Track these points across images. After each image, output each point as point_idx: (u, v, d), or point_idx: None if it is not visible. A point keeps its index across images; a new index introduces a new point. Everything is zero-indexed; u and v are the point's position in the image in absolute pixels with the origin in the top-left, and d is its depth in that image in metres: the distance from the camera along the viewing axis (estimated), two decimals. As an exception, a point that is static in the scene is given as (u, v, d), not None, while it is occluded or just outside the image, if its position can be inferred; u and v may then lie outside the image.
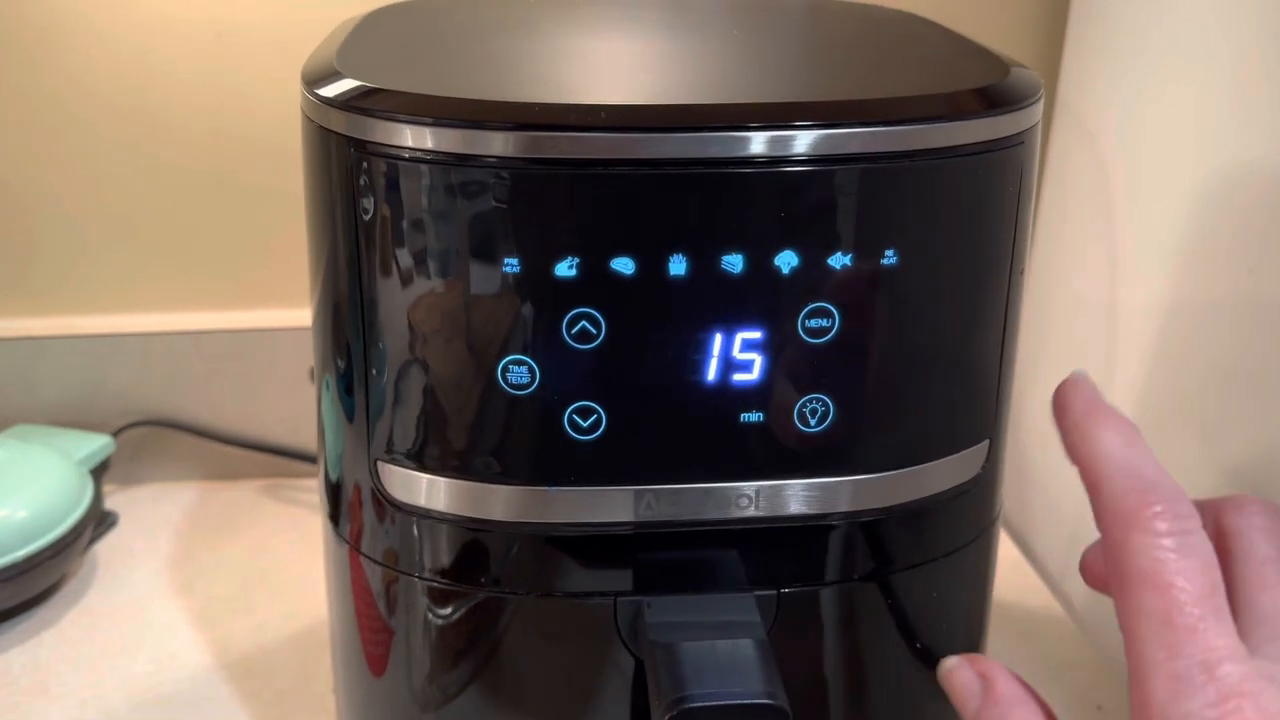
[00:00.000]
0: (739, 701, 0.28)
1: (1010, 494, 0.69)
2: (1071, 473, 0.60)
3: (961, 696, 0.29)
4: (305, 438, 0.67)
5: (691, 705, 0.28)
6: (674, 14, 0.41)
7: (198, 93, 0.61)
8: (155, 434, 0.66)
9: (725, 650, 0.30)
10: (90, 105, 0.61)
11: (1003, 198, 0.31)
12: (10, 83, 0.60)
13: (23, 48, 0.59)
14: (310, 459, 0.67)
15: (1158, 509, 0.25)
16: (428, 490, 0.32)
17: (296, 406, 0.66)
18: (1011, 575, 0.60)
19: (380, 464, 0.33)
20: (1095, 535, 0.57)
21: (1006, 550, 0.63)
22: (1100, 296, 0.57)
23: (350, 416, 0.33)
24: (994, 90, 0.30)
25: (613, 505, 0.31)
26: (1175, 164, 0.50)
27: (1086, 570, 0.29)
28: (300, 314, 0.66)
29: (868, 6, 0.44)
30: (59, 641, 0.54)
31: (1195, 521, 0.25)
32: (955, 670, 0.30)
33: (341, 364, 0.33)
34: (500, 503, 0.32)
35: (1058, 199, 0.63)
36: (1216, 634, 0.23)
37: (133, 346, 0.64)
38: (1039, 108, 0.32)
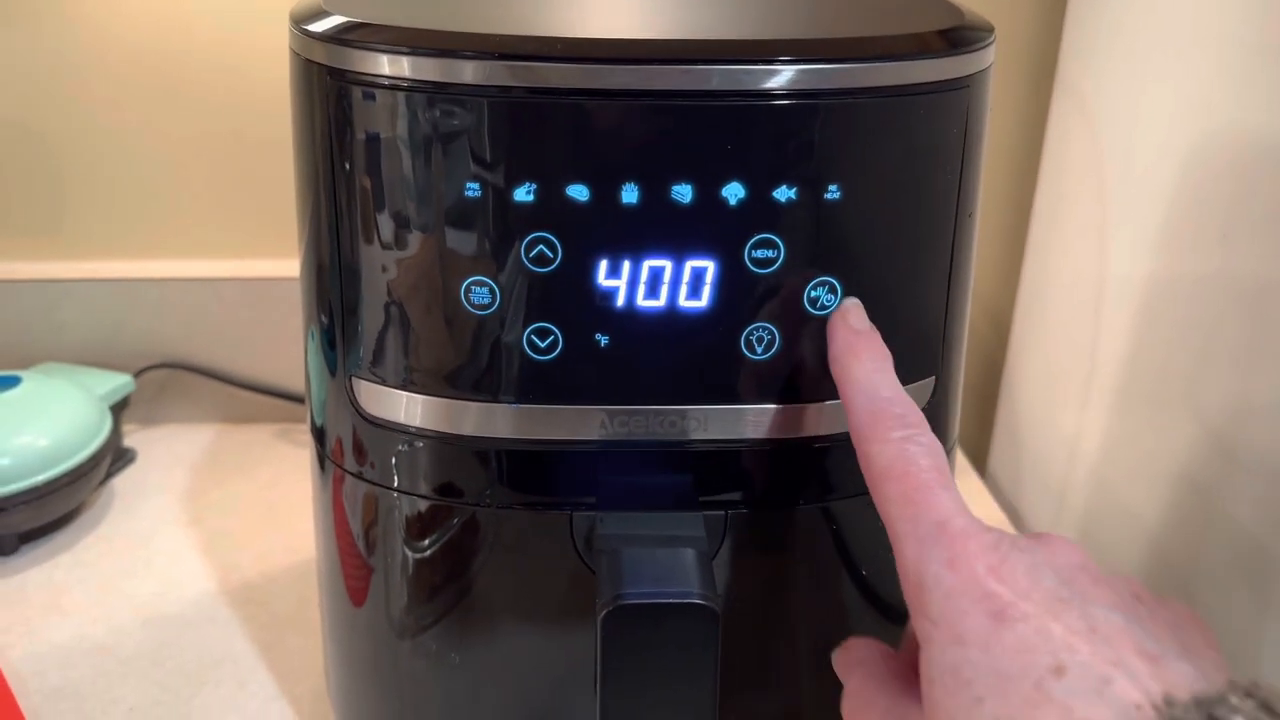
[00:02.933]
0: (671, 600, 0.30)
1: (1003, 458, 0.70)
2: (1058, 437, 0.61)
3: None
4: (316, 385, 0.69)
5: (626, 602, 0.29)
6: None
7: (220, 49, 0.64)
8: (174, 377, 0.69)
9: (665, 557, 0.31)
10: (118, 60, 0.64)
11: (948, 139, 0.32)
12: (42, 38, 0.63)
13: (55, 3, 0.62)
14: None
15: (889, 421, 0.29)
16: (397, 405, 0.34)
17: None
18: (994, 537, 0.61)
19: (355, 380, 0.35)
20: (1079, 501, 0.58)
21: (992, 512, 0.64)
22: (1091, 270, 0.58)
23: (331, 335, 0.35)
24: (941, 34, 0.32)
25: (570, 424, 0.33)
26: (1164, 140, 0.51)
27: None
28: (314, 265, 0.68)
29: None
30: (74, 564, 0.57)
31: (923, 427, 0.29)
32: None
33: (325, 287, 0.35)
34: (463, 418, 0.34)
35: (1055, 176, 0.64)
36: (947, 500, 0.28)
37: (154, 292, 0.67)
38: (987, 54, 0.33)
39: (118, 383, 0.64)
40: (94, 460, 0.59)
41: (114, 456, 0.63)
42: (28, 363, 0.66)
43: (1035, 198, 0.66)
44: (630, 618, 0.30)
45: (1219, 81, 0.47)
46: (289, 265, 0.68)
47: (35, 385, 0.60)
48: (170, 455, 0.67)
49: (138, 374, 0.67)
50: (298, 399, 0.69)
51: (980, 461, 0.73)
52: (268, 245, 0.68)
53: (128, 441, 0.68)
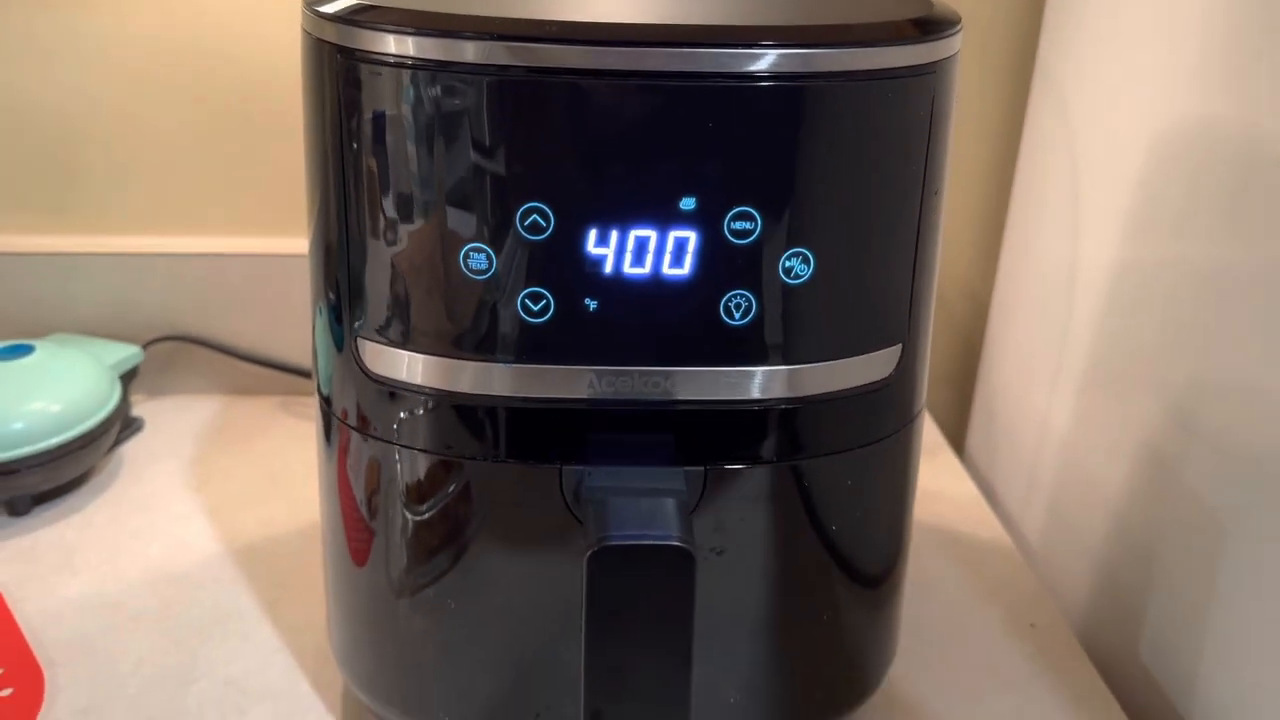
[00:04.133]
0: (651, 542, 0.32)
1: (979, 438, 0.73)
2: (1031, 417, 0.63)
3: None
4: (318, 358, 0.72)
5: (610, 543, 0.32)
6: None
7: (231, 31, 0.66)
8: (182, 349, 0.72)
9: (648, 505, 0.34)
10: (129, 39, 0.66)
11: (915, 121, 0.35)
12: (58, 18, 0.65)
13: (71, -17, 0.64)
14: (322, 379, 0.72)
15: None
16: (398, 363, 0.36)
17: (311, 329, 0.71)
18: (969, 509, 0.64)
19: (360, 341, 0.37)
20: (1048, 477, 0.61)
21: (967, 488, 0.66)
22: (1064, 254, 0.60)
23: (338, 308, 0.38)
24: (910, 23, 0.34)
25: (560, 383, 0.36)
26: (1132, 128, 0.53)
27: None
28: (317, 242, 0.71)
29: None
30: (84, 525, 0.60)
31: None
32: None
33: (334, 256, 0.38)
34: (461, 376, 0.36)
35: (1032, 162, 0.66)
36: None
37: (162, 266, 0.69)
38: (953, 41, 0.35)
39: (127, 353, 0.67)
40: (104, 426, 0.61)
41: (122, 424, 0.66)
42: (39, 333, 0.68)
43: (1013, 183, 0.69)
44: (614, 558, 0.32)
45: (1182, 72, 0.49)
46: (293, 242, 0.71)
47: (48, 354, 0.62)
48: (176, 425, 0.70)
49: (145, 346, 0.69)
50: (300, 372, 0.72)
51: (958, 440, 0.76)
52: (273, 222, 0.71)
53: (135, 411, 0.70)
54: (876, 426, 0.39)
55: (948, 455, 0.70)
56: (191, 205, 0.70)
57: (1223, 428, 0.46)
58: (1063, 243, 0.61)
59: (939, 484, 0.66)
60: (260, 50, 0.66)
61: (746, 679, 0.41)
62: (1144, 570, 0.51)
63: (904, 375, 0.38)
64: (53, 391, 0.60)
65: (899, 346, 0.38)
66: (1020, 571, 0.58)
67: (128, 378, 0.67)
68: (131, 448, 0.67)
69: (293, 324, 0.71)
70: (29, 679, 0.48)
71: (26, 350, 0.62)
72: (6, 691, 0.47)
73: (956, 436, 0.76)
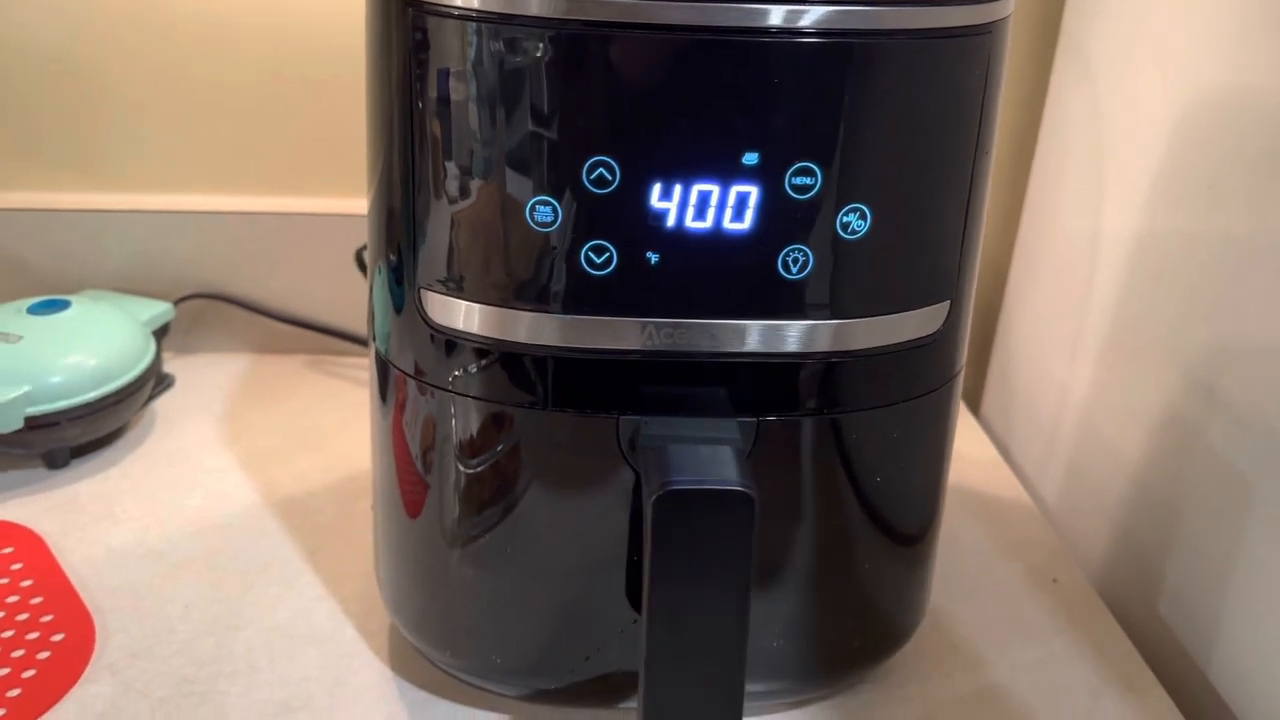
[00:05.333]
0: (716, 487, 0.33)
1: (995, 401, 0.74)
2: (1049, 381, 0.65)
3: None
4: (349, 318, 0.73)
5: (675, 487, 0.33)
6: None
7: (261, -11, 0.66)
8: (211, 307, 0.72)
9: (707, 452, 0.35)
10: (163, -4, 0.66)
11: (971, 80, 0.36)
12: (91, -29, 0.65)
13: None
14: (352, 338, 0.73)
15: None
16: (463, 314, 0.37)
17: (341, 288, 0.71)
18: (989, 469, 0.66)
19: (424, 292, 0.38)
20: (1067, 440, 0.62)
21: (987, 450, 0.68)
22: (1086, 223, 0.61)
23: (399, 270, 0.39)
24: (967, -15, 0.35)
25: (620, 334, 0.37)
26: (1159, 98, 0.54)
27: None
28: (346, 202, 0.71)
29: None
30: (123, 477, 0.61)
31: None
32: None
33: (397, 211, 0.38)
34: (523, 327, 0.37)
35: (1055, 130, 0.67)
36: None
37: (192, 223, 0.70)
38: (1008, 3, 0.36)
39: (159, 310, 0.67)
40: (141, 381, 0.62)
41: (155, 380, 0.66)
42: (71, 289, 0.69)
43: (1035, 150, 0.70)
44: (678, 503, 0.33)
45: (1213, 41, 0.50)
46: (325, 201, 0.71)
47: (83, 309, 0.63)
48: (207, 381, 0.71)
49: (176, 303, 0.70)
50: (328, 331, 0.73)
51: (974, 402, 0.77)
52: (304, 181, 0.71)
53: (167, 368, 0.71)
54: (922, 381, 0.40)
55: (965, 416, 0.71)
56: (223, 162, 0.71)
57: (1245, 394, 0.47)
58: (1085, 210, 0.62)
59: (958, 444, 0.67)
60: (293, 6, 0.67)
61: (789, 625, 0.42)
62: (1163, 529, 0.53)
63: (950, 331, 0.39)
64: (91, 345, 0.61)
65: (947, 303, 0.39)
66: (1041, 529, 0.60)
67: (160, 334, 0.67)
68: (164, 403, 0.68)
69: (321, 282, 0.72)
70: (80, 625, 0.49)
71: (63, 305, 0.62)
72: (58, 637, 0.48)
73: (971, 399, 0.78)
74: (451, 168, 0.36)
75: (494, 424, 0.39)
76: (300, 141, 0.70)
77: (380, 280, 0.40)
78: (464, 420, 0.39)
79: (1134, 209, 0.56)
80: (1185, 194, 0.52)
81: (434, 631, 0.44)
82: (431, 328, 0.38)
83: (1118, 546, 0.57)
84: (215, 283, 0.71)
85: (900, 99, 0.35)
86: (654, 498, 0.33)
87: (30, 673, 0.46)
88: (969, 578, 0.55)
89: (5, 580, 0.51)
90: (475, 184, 0.36)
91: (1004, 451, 0.70)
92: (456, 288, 0.37)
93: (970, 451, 0.68)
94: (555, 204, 0.35)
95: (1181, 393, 0.52)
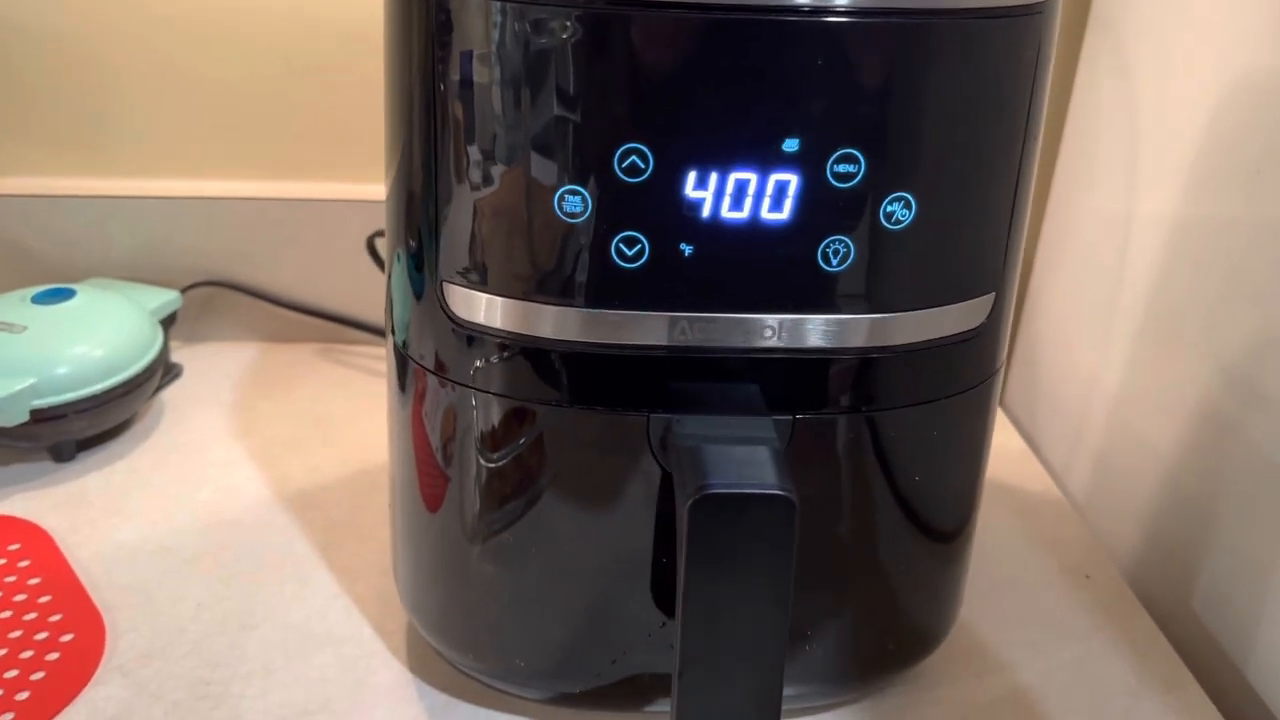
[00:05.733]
0: (755, 491, 0.32)
1: (1019, 391, 0.73)
2: (1076, 372, 0.63)
3: None
4: (360, 306, 0.71)
5: (711, 491, 0.32)
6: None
7: (269, -32, 0.64)
8: (219, 295, 0.71)
9: (743, 453, 0.33)
10: (168, -25, 0.64)
11: (1021, 62, 0.34)
12: (94, -50, 0.63)
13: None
14: (364, 327, 0.71)
15: None
16: (486, 308, 0.36)
17: (352, 276, 0.70)
18: (1017, 463, 0.64)
19: (445, 285, 0.36)
20: (1096, 432, 0.61)
21: (1013, 441, 0.66)
22: (1117, 208, 0.60)
23: (419, 256, 0.37)
24: (1019, -38, 0.33)
25: (650, 329, 0.35)
26: (1200, 80, 0.52)
27: None
28: (357, 188, 0.70)
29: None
30: (130, 471, 0.59)
31: None
32: None
33: (417, 198, 0.37)
34: (550, 322, 0.35)
35: (1085, 111, 0.65)
36: None
37: (200, 210, 0.68)
38: (1060, -17, 0.34)
39: (166, 298, 0.66)
40: (148, 371, 0.61)
41: (163, 370, 0.65)
42: (76, 277, 0.68)
43: (1064, 131, 0.68)
44: (715, 507, 0.32)
45: (1252, 22, 0.48)
46: (335, 187, 0.70)
47: (89, 298, 0.61)
48: (216, 371, 0.69)
49: (183, 291, 0.68)
50: (339, 319, 0.71)
51: (999, 393, 0.76)
52: (312, 167, 0.70)
53: (174, 358, 0.69)
54: (963, 377, 0.38)
55: (991, 408, 0.70)
56: (232, 148, 0.69)
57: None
58: (1117, 194, 0.60)
59: (984, 436, 0.66)
60: (302, -9, 0.65)
61: (821, 628, 0.41)
62: (1198, 527, 0.51)
63: (993, 326, 0.38)
64: (97, 336, 0.59)
65: (991, 296, 0.37)
66: (1072, 524, 0.58)
67: (167, 323, 0.66)
68: (172, 394, 0.67)
69: (331, 270, 0.70)
70: (89, 624, 0.48)
71: (68, 294, 0.61)
72: (68, 637, 0.47)
73: (995, 389, 0.76)
74: (475, 155, 0.34)
75: (517, 421, 0.38)
76: (310, 127, 0.68)
77: (399, 270, 0.39)
78: (486, 416, 0.38)
79: (1170, 193, 0.54)
80: (1226, 178, 0.50)
81: (455, 633, 0.43)
82: (454, 322, 0.37)
83: (1150, 542, 0.56)
84: (224, 270, 0.70)
85: (948, 83, 0.33)
86: (690, 501, 0.32)
87: (39, 674, 0.44)
88: (1000, 575, 0.54)
89: (13, 578, 0.50)
90: (500, 172, 0.34)
91: (1029, 443, 0.69)
92: (480, 281, 0.36)
93: (996, 442, 0.66)
94: (585, 193, 0.33)
95: (1219, 385, 0.50)
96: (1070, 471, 0.65)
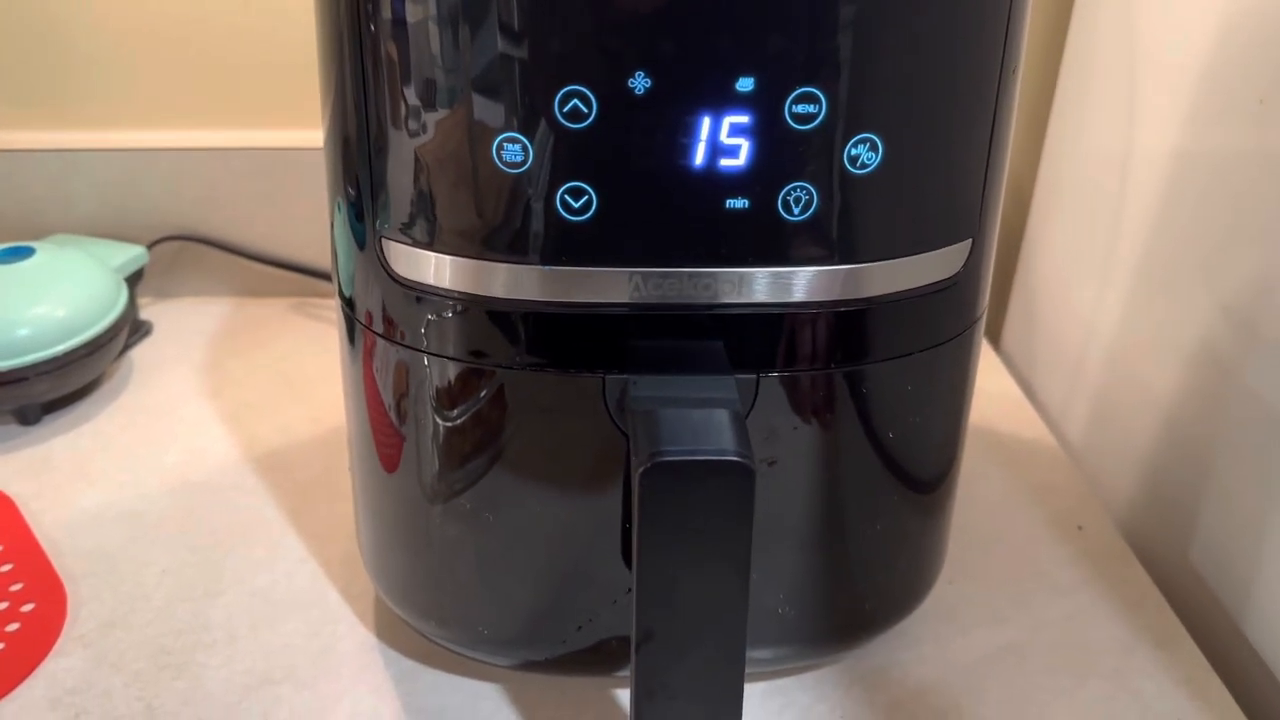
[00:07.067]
0: (709, 457, 0.30)
1: (1017, 335, 0.70)
2: (1074, 317, 0.61)
3: None
4: (330, 258, 0.69)
5: (665, 459, 0.30)
6: None
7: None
8: (188, 249, 0.69)
9: (700, 417, 0.32)
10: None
11: (996, -10, 0.31)
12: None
13: None
14: (335, 279, 0.69)
15: None
16: (426, 266, 0.34)
17: (326, 227, 0.67)
18: (1013, 410, 0.62)
19: (385, 242, 0.34)
20: (1094, 375, 0.59)
21: (1009, 387, 0.64)
22: (1117, 143, 0.57)
23: (359, 204, 0.35)
24: (993, -122, 0.30)
25: (603, 286, 0.33)
26: (1201, 8, 0.49)
27: None
28: (325, 134, 0.67)
29: None
30: (96, 434, 0.58)
31: None
32: None
33: (352, 150, 0.35)
34: (495, 280, 0.33)
35: (1083, 45, 0.62)
36: None
37: (165, 162, 0.66)
38: (1040, -102, 0.31)
39: (131, 254, 0.64)
40: (112, 331, 0.59)
41: (131, 328, 0.63)
42: (38, 234, 0.66)
43: (1060, 66, 0.65)
44: (668, 475, 0.30)
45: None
46: (301, 135, 0.67)
47: (49, 256, 0.59)
48: (186, 328, 0.67)
49: (150, 246, 0.66)
50: (313, 272, 0.69)
51: (994, 334, 0.74)
52: (283, 114, 0.67)
53: (143, 314, 0.68)
54: (940, 329, 0.36)
55: (985, 350, 0.68)
56: (196, 97, 0.66)
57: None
58: (1117, 127, 0.57)
59: (977, 380, 0.64)
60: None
61: (797, 591, 0.39)
62: (1196, 472, 0.49)
63: (971, 273, 0.36)
64: (57, 295, 0.57)
65: (969, 242, 0.35)
66: (1065, 472, 0.56)
67: (133, 280, 0.64)
68: (141, 352, 0.65)
69: (305, 221, 0.68)
70: (51, 593, 0.47)
71: (27, 253, 0.59)
72: (28, 607, 0.46)
73: (992, 331, 0.74)
74: (408, 103, 0.32)
75: (469, 383, 0.36)
76: (278, 70, 0.66)
77: (340, 220, 0.37)
78: (437, 379, 0.36)
79: (1172, 126, 0.51)
80: (1230, 109, 0.47)
81: (417, 600, 0.41)
82: (396, 281, 0.35)
83: (1146, 490, 0.54)
84: (191, 224, 0.68)
85: (914, 11, 0.30)
86: (641, 470, 0.30)
87: (-3, 647, 0.44)
88: (988, 526, 0.52)
89: (-27, 547, 0.49)
90: (435, 120, 0.32)
91: (1026, 388, 0.66)
92: (420, 238, 0.33)
93: (989, 387, 0.64)
94: (525, 141, 0.31)
95: (1220, 326, 0.48)
96: (1067, 417, 0.63)
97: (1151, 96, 0.53)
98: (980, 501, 0.54)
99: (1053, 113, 0.66)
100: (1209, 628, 0.47)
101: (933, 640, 0.45)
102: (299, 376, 0.63)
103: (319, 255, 0.69)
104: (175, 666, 0.43)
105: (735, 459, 0.30)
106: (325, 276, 0.69)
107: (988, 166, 0.34)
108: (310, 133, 0.67)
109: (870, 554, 0.40)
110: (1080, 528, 0.52)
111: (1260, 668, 0.44)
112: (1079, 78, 0.63)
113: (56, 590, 0.47)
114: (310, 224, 0.68)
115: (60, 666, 0.43)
